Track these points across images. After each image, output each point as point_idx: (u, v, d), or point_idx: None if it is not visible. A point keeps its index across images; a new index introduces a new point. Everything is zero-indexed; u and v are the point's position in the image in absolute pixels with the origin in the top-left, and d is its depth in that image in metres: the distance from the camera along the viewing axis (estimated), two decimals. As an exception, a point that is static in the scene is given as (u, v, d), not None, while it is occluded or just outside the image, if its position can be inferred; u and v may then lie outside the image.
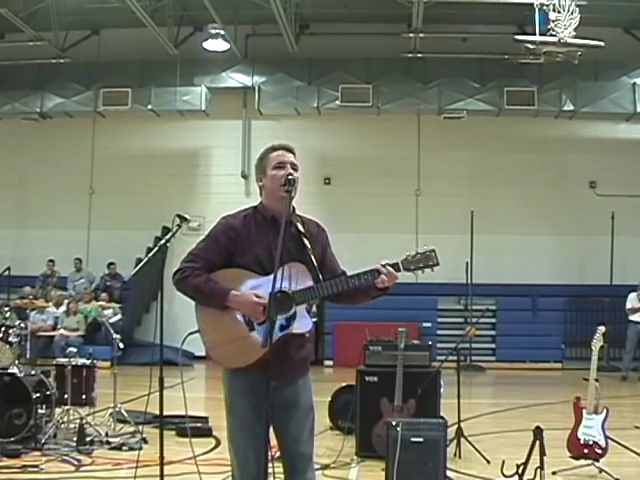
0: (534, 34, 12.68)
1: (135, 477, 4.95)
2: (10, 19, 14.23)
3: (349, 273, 3.59)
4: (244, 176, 16.96)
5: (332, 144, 16.65)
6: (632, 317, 13.91)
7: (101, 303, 10.85)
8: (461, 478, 6.14)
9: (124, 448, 6.86)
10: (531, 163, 16.42)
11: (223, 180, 16.97)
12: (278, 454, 3.65)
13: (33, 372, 7.36)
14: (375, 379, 6.89)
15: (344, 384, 7.89)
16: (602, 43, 12.67)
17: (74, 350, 7.98)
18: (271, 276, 3.34)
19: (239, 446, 3.56)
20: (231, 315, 3.52)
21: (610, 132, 16.57)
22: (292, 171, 3.62)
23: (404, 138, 16.56)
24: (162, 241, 4.41)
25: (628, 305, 13.94)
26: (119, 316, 14.61)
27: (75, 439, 6.91)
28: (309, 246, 3.58)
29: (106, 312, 12.79)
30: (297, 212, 3.72)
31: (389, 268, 3.45)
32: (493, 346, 16.12)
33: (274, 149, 3.71)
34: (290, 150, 3.72)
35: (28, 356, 11.05)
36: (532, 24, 12.84)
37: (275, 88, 16.30)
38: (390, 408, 6.60)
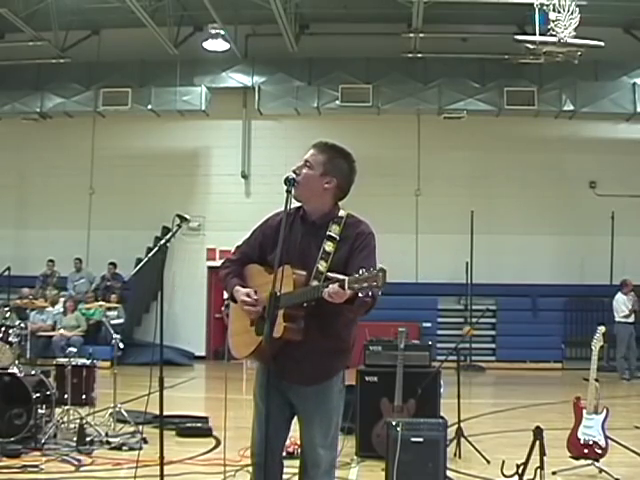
0: (534, 34, 12.69)
1: (135, 477, 4.94)
2: (10, 19, 14.23)
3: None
4: (244, 176, 16.96)
5: (332, 144, 16.62)
6: (626, 319, 13.93)
7: (101, 303, 10.84)
8: (461, 478, 6.14)
9: (124, 448, 6.85)
10: (531, 163, 16.42)
11: (223, 180, 16.97)
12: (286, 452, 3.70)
13: (33, 372, 7.36)
14: (375, 379, 6.88)
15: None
16: (602, 43, 12.68)
17: (74, 350, 7.98)
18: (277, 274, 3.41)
19: (254, 441, 3.64)
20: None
21: (610, 132, 16.57)
22: (296, 169, 3.60)
23: (404, 138, 16.57)
24: (162, 241, 4.41)
25: (623, 309, 13.94)
26: (122, 320, 14.66)
27: (75, 439, 6.90)
28: (328, 250, 3.50)
29: (109, 313, 12.82)
30: (343, 213, 3.64)
31: (333, 286, 3.17)
32: (493, 346, 16.12)
33: None
34: (313, 147, 3.69)
35: (28, 356, 11.06)
36: (532, 24, 12.84)
37: (275, 88, 16.30)
38: (390, 408, 6.60)
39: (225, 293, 3.83)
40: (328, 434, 3.63)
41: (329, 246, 3.51)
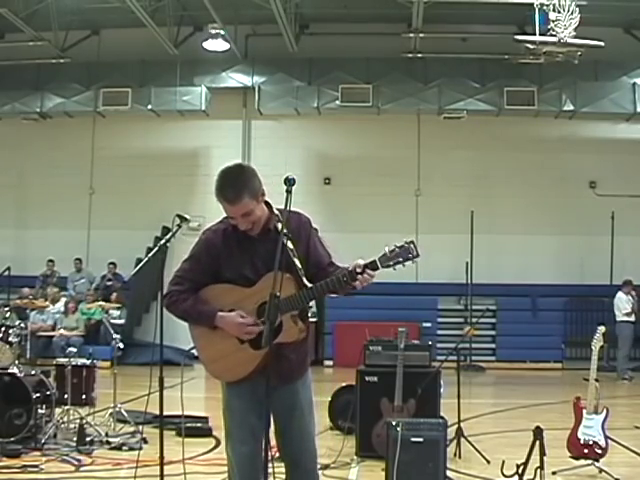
0: (534, 34, 12.68)
1: (135, 477, 4.95)
2: (10, 19, 14.22)
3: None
4: (244, 176, 16.94)
5: (332, 144, 16.65)
6: (628, 317, 13.92)
7: (101, 303, 10.82)
8: (461, 478, 6.14)
9: (124, 448, 6.86)
10: (531, 163, 16.41)
11: (223, 180, 16.95)
12: (277, 455, 3.65)
13: (33, 372, 7.36)
14: (375, 379, 6.89)
15: (344, 384, 7.88)
16: (602, 43, 12.68)
17: (74, 350, 7.98)
18: (255, 287, 3.48)
19: (237, 448, 3.57)
20: (222, 331, 3.55)
21: (610, 132, 16.56)
22: (246, 223, 3.53)
23: (404, 138, 16.56)
24: (162, 241, 4.41)
25: (626, 306, 13.93)
26: (123, 320, 14.67)
27: (75, 439, 6.90)
28: (291, 247, 3.51)
29: (112, 312, 12.79)
30: (275, 209, 3.63)
31: (368, 271, 3.35)
32: (493, 346, 16.11)
33: (217, 196, 3.51)
34: (226, 199, 3.48)
35: (28, 356, 11.05)
36: (532, 24, 12.84)
37: (275, 88, 16.29)
38: (390, 408, 6.59)
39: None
40: (315, 424, 3.70)
41: (290, 243, 3.53)
